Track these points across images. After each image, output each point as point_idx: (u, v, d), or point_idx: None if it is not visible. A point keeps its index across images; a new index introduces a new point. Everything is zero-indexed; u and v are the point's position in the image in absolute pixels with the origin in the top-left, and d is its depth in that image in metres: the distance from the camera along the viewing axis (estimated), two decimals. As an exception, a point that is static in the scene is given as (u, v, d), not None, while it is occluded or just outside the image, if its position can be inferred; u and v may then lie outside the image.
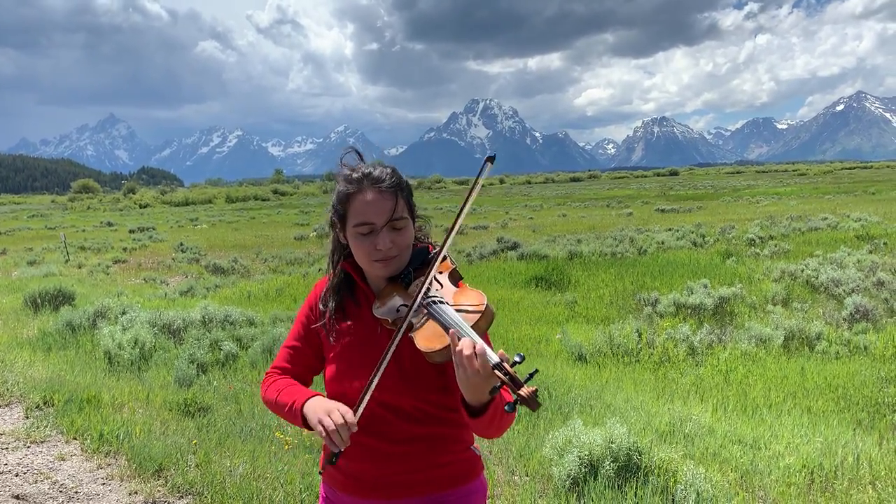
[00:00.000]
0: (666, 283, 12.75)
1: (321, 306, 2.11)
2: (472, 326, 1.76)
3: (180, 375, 7.03)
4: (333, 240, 2.10)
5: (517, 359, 1.64)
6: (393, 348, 1.86)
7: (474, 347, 1.67)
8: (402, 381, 1.95)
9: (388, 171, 1.97)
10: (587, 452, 4.34)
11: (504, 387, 1.63)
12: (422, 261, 2.02)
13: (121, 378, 7.28)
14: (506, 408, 1.61)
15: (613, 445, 4.35)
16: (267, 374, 2.19)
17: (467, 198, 1.87)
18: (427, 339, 1.81)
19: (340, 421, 1.81)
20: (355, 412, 1.86)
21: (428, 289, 1.89)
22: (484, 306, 1.82)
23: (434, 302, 1.87)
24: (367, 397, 1.87)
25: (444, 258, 1.99)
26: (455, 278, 1.98)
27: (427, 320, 1.86)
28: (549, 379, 6.88)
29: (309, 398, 1.95)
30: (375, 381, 1.86)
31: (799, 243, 17.50)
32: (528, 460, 4.84)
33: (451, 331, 1.74)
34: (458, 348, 1.68)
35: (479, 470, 2.11)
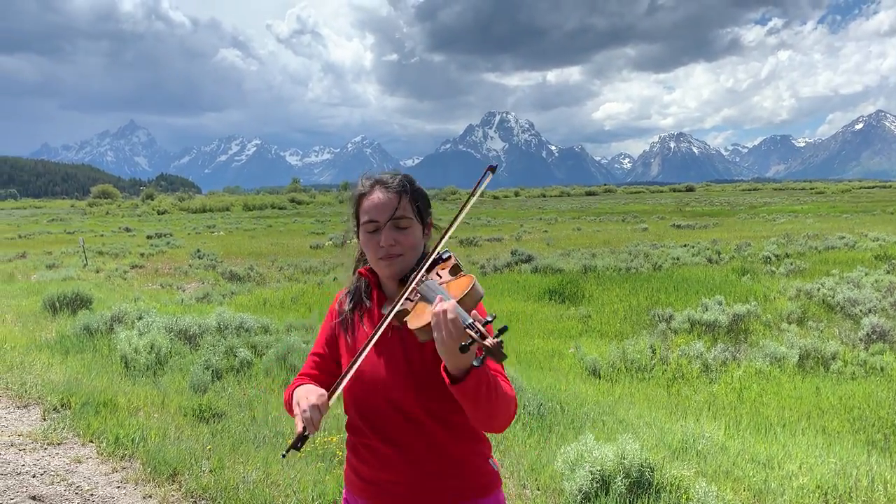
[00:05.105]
0: (681, 299, 12.71)
1: (338, 307, 2.20)
2: (457, 302, 1.79)
3: (195, 381, 7.08)
4: (358, 246, 2.20)
5: (489, 318, 1.68)
6: (380, 332, 1.90)
7: (447, 306, 1.70)
8: (411, 380, 1.98)
9: (399, 176, 2.08)
10: (599, 468, 4.34)
11: (483, 353, 1.64)
12: (429, 264, 2.06)
13: (136, 382, 7.35)
14: (474, 362, 1.62)
15: (625, 461, 4.35)
16: (293, 381, 2.26)
17: (466, 201, 1.98)
18: (416, 317, 1.86)
19: (312, 402, 1.87)
20: (330, 395, 1.92)
21: (424, 277, 1.94)
22: (471, 285, 1.85)
23: (423, 282, 1.92)
24: (345, 380, 1.92)
25: (449, 257, 2.04)
26: (455, 271, 2.01)
27: (418, 301, 1.91)
28: (562, 393, 6.88)
29: (297, 387, 2.05)
30: (357, 363, 1.90)
31: (815, 262, 17.39)
32: (540, 474, 4.84)
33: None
34: (433, 311, 1.71)
35: (497, 485, 2.11)
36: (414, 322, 1.85)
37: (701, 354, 8.32)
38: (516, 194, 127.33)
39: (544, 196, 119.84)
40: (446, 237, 1.98)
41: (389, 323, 2.00)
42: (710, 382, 7.82)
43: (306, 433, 1.86)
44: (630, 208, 59.13)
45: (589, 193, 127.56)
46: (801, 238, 23.75)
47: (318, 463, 5.06)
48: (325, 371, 2.22)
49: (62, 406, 6.53)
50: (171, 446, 5.37)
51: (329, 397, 1.92)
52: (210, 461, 5.11)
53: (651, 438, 5.51)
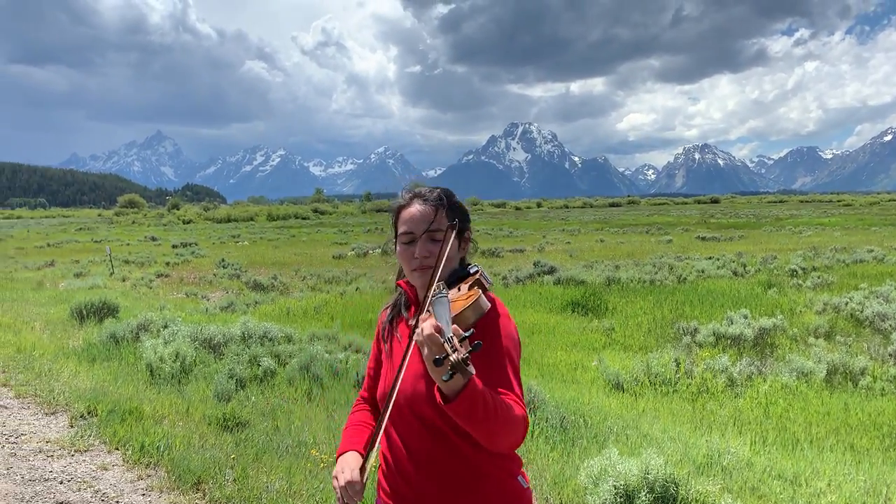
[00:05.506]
0: (705, 312, 12.59)
1: (381, 319, 2.27)
2: (457, 315, 1.81)
3: (219, 390, 7.14)
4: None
5: (466, 333, 1.67)
6: (409, 354, 1.90)
7: (427, 322, 1.70)
8: (432, 391, 1.95)
9: (437, 190, 2.13)
10: (623, 482, 4.30)
11: (450, 368, 1.63)
12: (458, 277, 2.08)
13: (162, 391, 7.42)
14: (443, 377, 1.62)
15: (650, 476, 4.31)
16: (354, 403, 2.38)
17: (437, 260, 1.97)
18: None
19: (347, 479, 1.98)
20: (363, 466, 1.98)
21: (439, 288, 1.94)
22: (474, 299, 1.86)
23: (437, 297, 1.92)
24: (387, 412, 1.91)
25: (476, 272, 2.06)
26: (474, 286, 2.02)
27: (431, 315, 1.91)
28: (585, 406, 6.84)
29: (343, 453, 2.14)
30: (396, 389, 1.89)
31: (843, 275, 17.14)
32: (563, 488, 4.81)
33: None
34: (419, 329, 1.71)
35: (527, 502, 2.08)
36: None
37: (726, 368, 8.23)
38: (539, 205, 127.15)
39: (567, 207, 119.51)
40: (436, 277, 1.96)
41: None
42: (735, 397, 7.73)
43: None
44: (654, 220, 58.75)
45: (612, 205, 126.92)
46: (829, 251, 23.44)
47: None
48: (378, 385, 2.28)
49: (89, 413, 6.61)
50: (196, 455, 5.41)
51: (363, 468, 1.99)
52: (234, 470, 5.14)
53: (675, 453, 5.46)
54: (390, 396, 1.89)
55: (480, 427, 1.75)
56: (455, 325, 1.71)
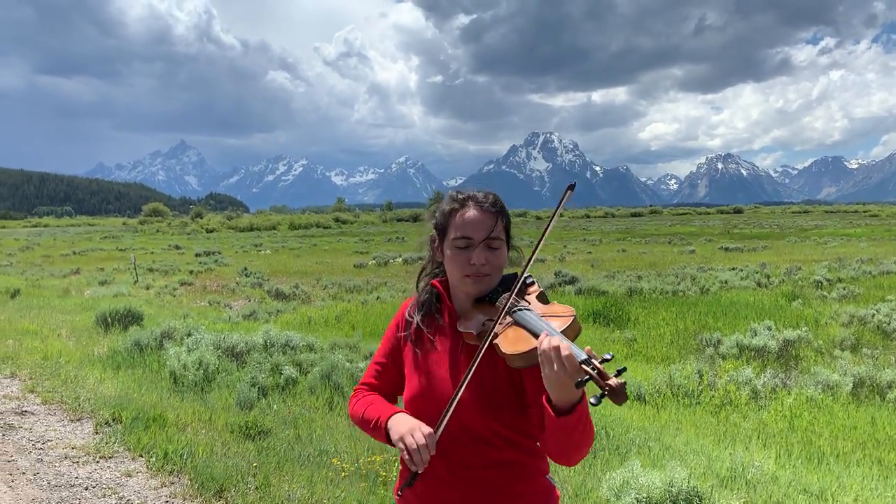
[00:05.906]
0: (729, 323, 12.47)
1: (408, 317, 2.19)
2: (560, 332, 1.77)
3: (242, 398, 7.18)
4: (428, 257, 2.20)
5: (607, 356, 1.63)
6: (478, 360, 1.87)
7: (561, 342, 1.67)
8: (480, 400, 1.96)
9: (492, 196, 2.08)
10: (645, 495, 4.27)
11: (604, 392, 1.59)
12: (508, 286, 2.05)
13: (185, 398, 7.48)
14: (591, 400, 1.59)
15: (673, 489, 4.28)
16: (355, 389, 2.28)
17: (549, 224, 1.98)
18: (511, 342, 1.82)
19: (422, 441, 1.86)
20: (436, 431, 1.89)
21: (516, 300, 1.92)
22: (572, 316, 1.84)
23: (520, 309, 1.90)
24: (448, 415, 1.89)
25: (532, 283, 2.05)
26: (543, 299, 2.00)
27: (511, 325, 1.88)
28: (607, 418, 6.80)
29: (393, 414, 2.03)
30: (458, 396, 1.87)
31: (869, 287, 16.90)
32: (584, 500, 4.78)
33: (543, 332, 1.75)
34: (544, 345, 1.68)
35: (555, 501, 2.09)
36: (507, 347, 1.82)
37: (750, 381, 8.14)
38: (560, 215, 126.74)
39: (588, 217, 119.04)
40: (532, 260, 1.96)
41: (466, 335, 2.00)
42: (759, 410, 7.64)
43: (420, 471, 1.89)
44: (676, 230, 58.34)
45: (634, 214, 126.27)
46: (855, 262, 23.13)
47: (361, 483, 5.08)
48: (387, 380, 2.24)
49: (113, 420, 6.68)
50: (218, 463, 5.45)
51: (437, 435, 1.91)
52: (256, 478, 5.17)
53: (699, 466, 5.41)
54: (450, 406, 1.88)
55: (578, 438, 1.76)
56: (588, 347, 1.68)
